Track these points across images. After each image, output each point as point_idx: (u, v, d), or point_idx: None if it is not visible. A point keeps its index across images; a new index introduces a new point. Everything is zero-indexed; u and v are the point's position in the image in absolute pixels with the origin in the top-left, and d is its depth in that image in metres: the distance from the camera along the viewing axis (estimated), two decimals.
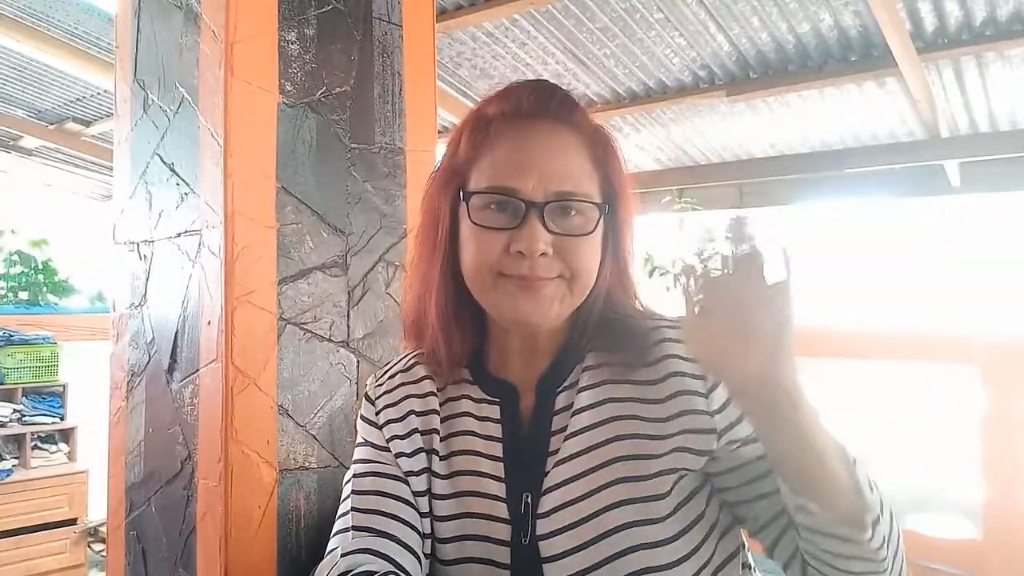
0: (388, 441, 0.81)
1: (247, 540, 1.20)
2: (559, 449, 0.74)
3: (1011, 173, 3.99)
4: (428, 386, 0.83)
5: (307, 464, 1.29)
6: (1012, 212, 4.39)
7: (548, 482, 0.73)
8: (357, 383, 1.36)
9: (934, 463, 3.23)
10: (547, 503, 0.72)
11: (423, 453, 0.80)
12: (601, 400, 0.75)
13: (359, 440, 0.85)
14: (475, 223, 0.72)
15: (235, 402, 1.19)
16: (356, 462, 0.83)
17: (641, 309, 0.80)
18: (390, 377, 0.87)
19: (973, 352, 2.82)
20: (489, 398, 0.80)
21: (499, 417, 0.78)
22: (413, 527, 0.76)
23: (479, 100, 0.80)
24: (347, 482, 0.82)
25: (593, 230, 0.73)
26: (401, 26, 1.47)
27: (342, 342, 1.34)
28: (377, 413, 0.84)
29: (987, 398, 2.72)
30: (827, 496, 0.61)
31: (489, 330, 0.81)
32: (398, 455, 0.80)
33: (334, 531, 0.79)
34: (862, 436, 3.33)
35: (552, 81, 0.79)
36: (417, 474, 0.79)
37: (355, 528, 0.76)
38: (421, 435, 0.81)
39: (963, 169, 4.09)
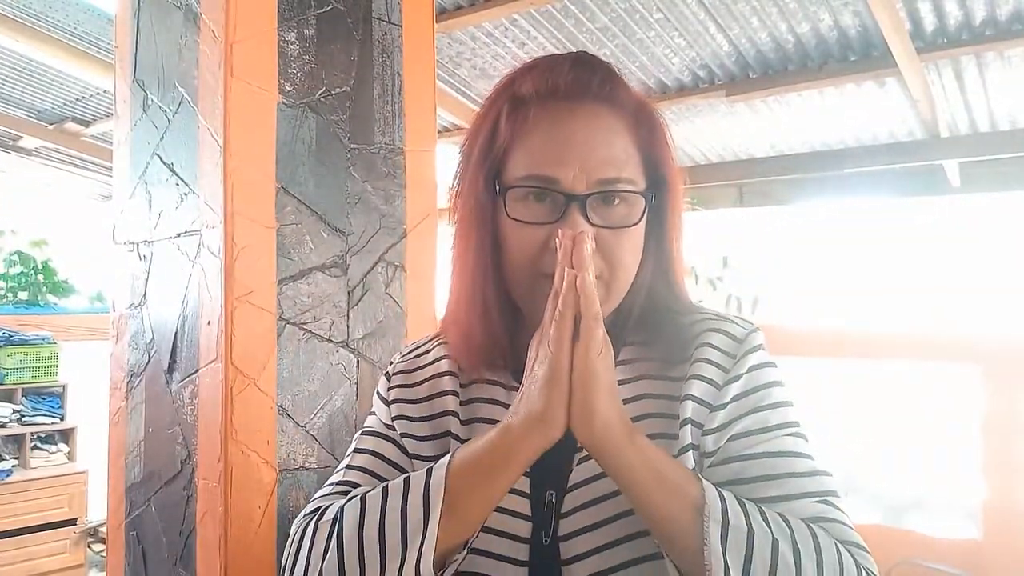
0: (394, 419, 0.80)
1: (247, 540, 1.20)
2: None
3: (1011, 173, 3.99)
4: (446, 366, 0.81)
5: (307, 464, 1.29)
6: (1012, 212, 4.39)
7: (572, 479, 0.71)
8: (357, 383, 1.36)
9: (934, 463, 3.23)
10: (570, 501, 0.70)
11: (441, 438, 0.78)
12: (636, 396, 0.73)
13: (370, 411, 0.85)
14: (512, 218, 0.69)
15: (235, 402, 1.19)
16: (364, 426, 0.83)
17: (686, 302, 0.77)
18: (414, 357, 0.85)
19: (973, 352, 2.81)
20: (519, 387, 0.76)
21: None
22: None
23: (511, 73, 0.74)
24: (354, 439, 0.82)
25: (638, 220, 0.70)
26: (401, 26, 1.47)
27: (342, 342, 1.34)
28: (389, 390, 0.82)
29: (987, 398, 2.72)
30: (671, 552, 0.62)
31: (525, 320, 0.78)
32: (403, 435, 0.79)
33: (318, 494, 0.79)
34: (862, 436, 3.34)
35: (591, 53, 0.74)
36: (429, 459, 0.76)
37: (340, 483, 0.76)
38: (438, 417, 0.78)
39: (963, 169, 4.09)
